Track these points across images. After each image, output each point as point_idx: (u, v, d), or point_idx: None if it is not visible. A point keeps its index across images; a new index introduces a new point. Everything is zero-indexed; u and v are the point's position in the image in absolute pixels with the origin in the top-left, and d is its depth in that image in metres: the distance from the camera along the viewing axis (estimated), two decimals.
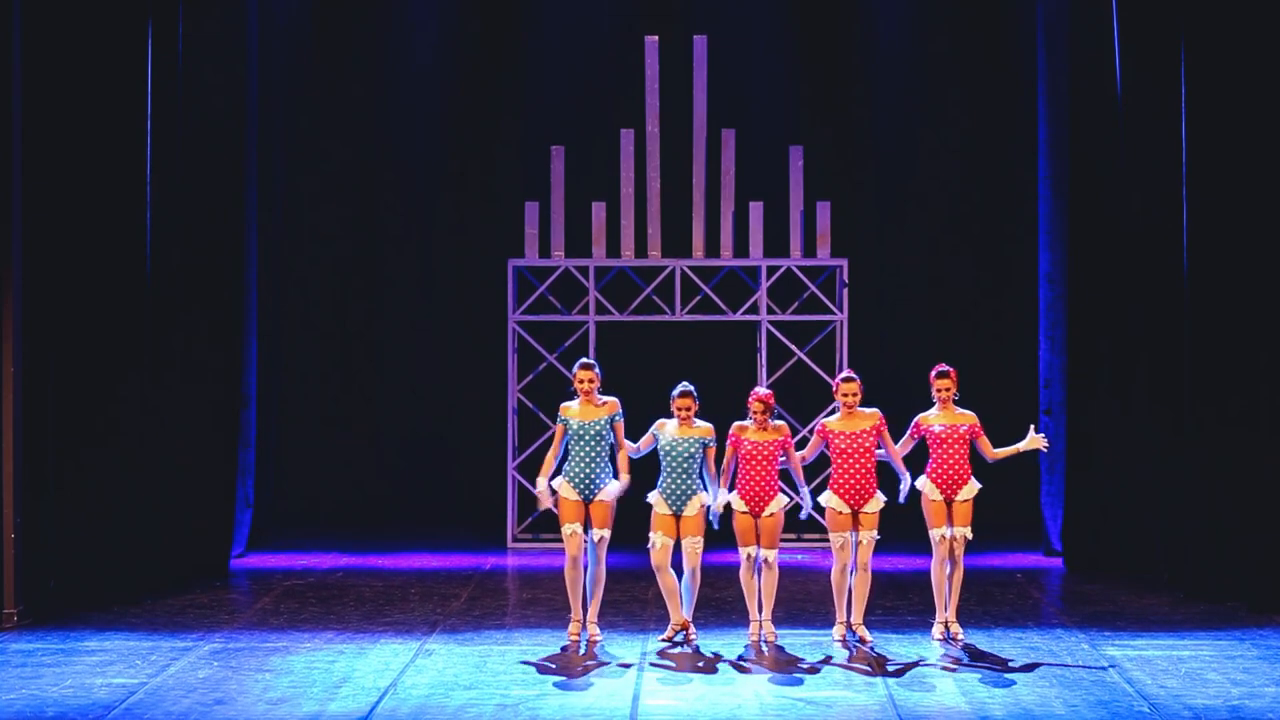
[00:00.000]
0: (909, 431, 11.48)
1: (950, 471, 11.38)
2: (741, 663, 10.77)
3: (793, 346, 15.92)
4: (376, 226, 17.55)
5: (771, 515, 11.21)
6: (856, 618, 11.42)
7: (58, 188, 12.31)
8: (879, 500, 11.33)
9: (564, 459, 11.41)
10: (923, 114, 17.35)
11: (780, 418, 11.48)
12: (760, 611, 11.33)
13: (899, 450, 11.40)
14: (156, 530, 13.22)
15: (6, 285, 11.74)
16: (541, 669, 10.59)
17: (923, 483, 11.42)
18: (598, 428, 11.24)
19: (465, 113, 17.46)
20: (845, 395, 11.32)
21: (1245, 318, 12.79)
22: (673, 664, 10.77)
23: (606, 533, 11.28)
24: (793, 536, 15.45)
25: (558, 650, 11.14)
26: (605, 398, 11.35)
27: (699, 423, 11.24)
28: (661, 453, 11.22)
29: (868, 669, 10.61)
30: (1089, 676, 10.35)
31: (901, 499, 11.48)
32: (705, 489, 11.26)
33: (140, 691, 9.92)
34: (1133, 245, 13.83)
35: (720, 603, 12.67)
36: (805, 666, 10.68)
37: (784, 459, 11.27)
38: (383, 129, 17.46)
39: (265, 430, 16.31)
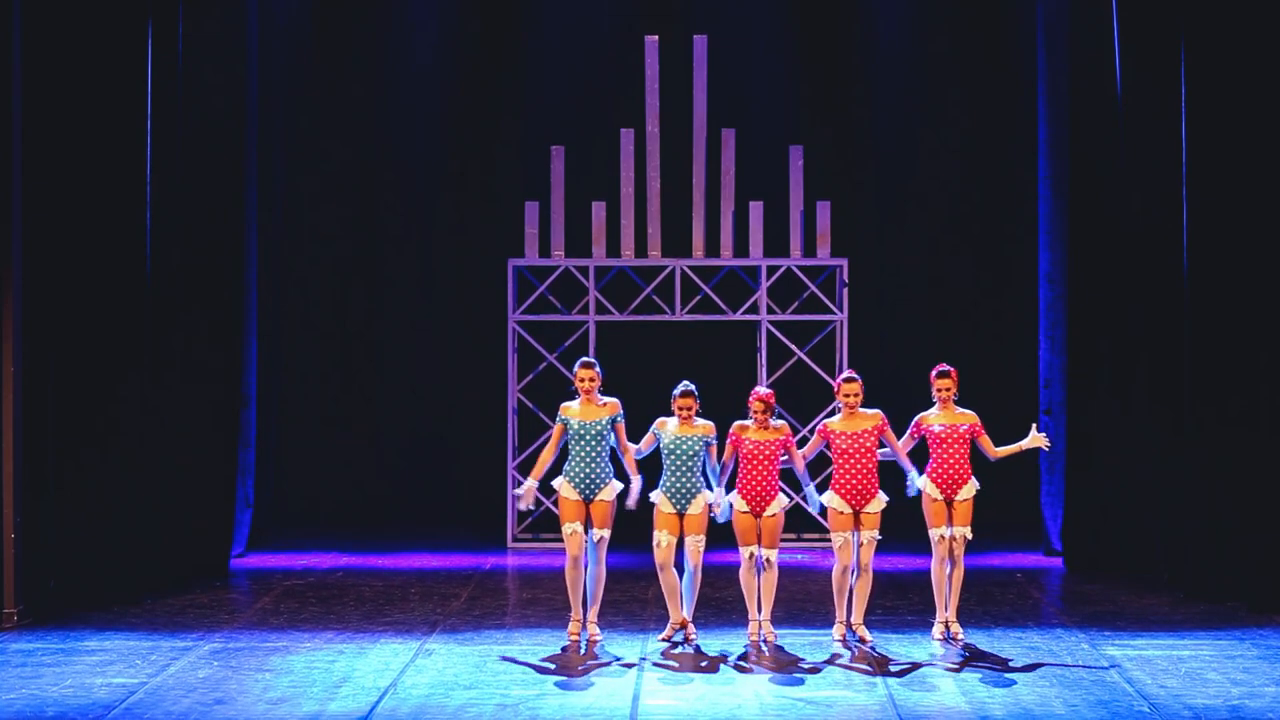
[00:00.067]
0: (909, 431, 11.49)
1: (950, 471, 11.38)
2: (741, 663, 10.77)
3: (793, 346, 15.92)
4: (376, 226, 17.55)
5: (773, 515, 11.21)
6: (857, 618, 11.42)
7: (58, 188, 12.31)
8: (880, 500, 11.33)
9: (560, 459, 11.42)
10: (923, 114, 17.35)
11: (780, 417, 11.49)
12: (760, 612, 11.34)
13: (902, 447, 11.41)
14: (156, 530, 13.22)
15: (6, 285, 11.74)
16: (541, 669, 10.59)
17: (923, 482, 11.42)
18: (598, 428, 11.24)
19: (465, 113, 17.46)
20: (847, 395, 11.32)
21: (1245, 318, 12.79)
22: (673, 664, 10.77)
23: (606, 533, 11.28)
24: (793, 536, 15.46)
25: (558, 650, 11.14)
26: (606, 399, 11.35)
27: (699, 421, 11.24)
28: (665, 452, 11.22)
29: (868, 669, 10.61)
30: (1089, 676, 10.35)
31: (910, 492, 11.48)
32: (710, 487, 11.28)
33: (140, 691, 9.92)
34: (1133, 245, 13.84)
35: (720, 603, 12.67)
36: (805, 666, 10.68)
37: (785, 457, 11.27)
38: (383, 129, 17.46)
39: (265, 430, 16.31)
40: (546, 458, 11.40)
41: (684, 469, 11.18)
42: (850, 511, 11.28)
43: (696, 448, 11.18)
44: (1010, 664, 10.73)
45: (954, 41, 17.28)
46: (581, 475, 11.23)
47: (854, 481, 11.27)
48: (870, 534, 11.30)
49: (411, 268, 17.56)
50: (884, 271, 17.32)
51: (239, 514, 14.96)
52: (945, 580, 11.45)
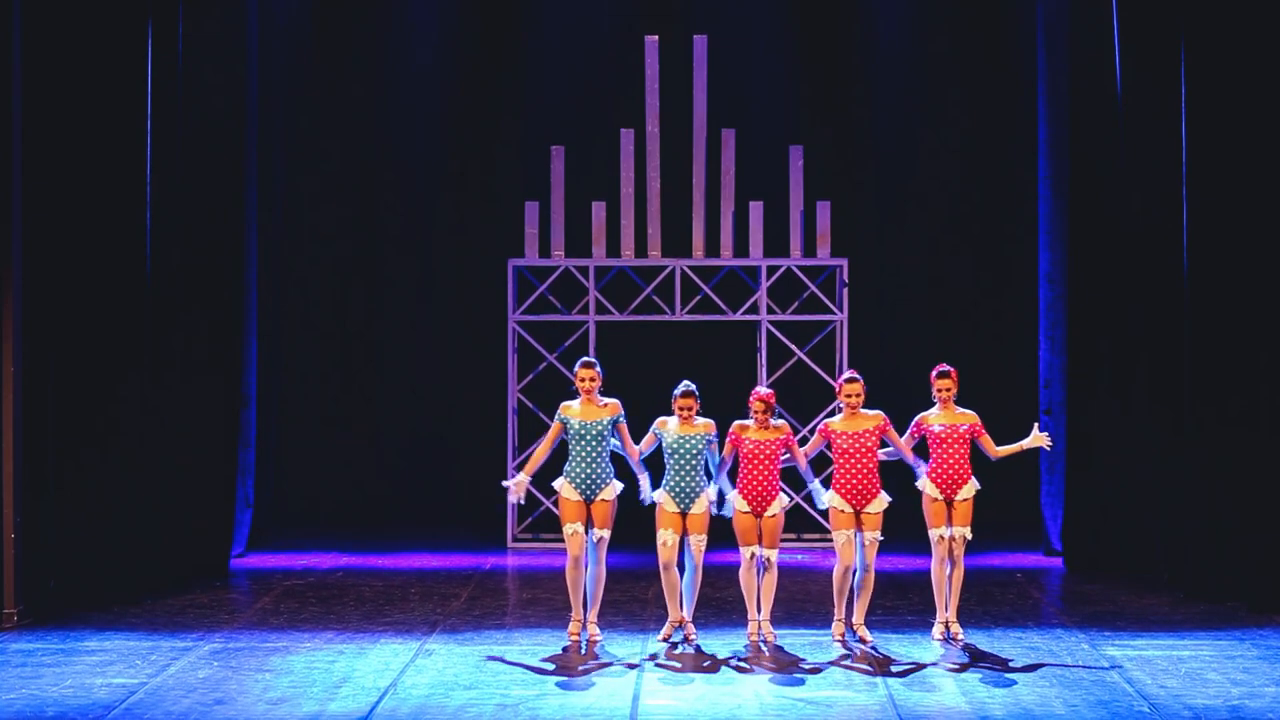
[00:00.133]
0: (909, 431, 11.49)
1: (950, 471, 11.39)
2: (741, 663, 10.77)
3: (793, 346, 15.92)
4: (376, 226, 17.55)
5: (774, 515, 11.21)
6: (858, 618, 11.42)
7: (58, 188, 12.31)
8: (882, 500, 11.33)
9: (554, 457, 11.42)
10: (923, 114, 17.35)
11: (780, 417, 11.49)
12: (759, 612, 11.34)
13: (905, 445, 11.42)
14: (156, 530, 13.22)
15: (6, 285, 11.74)
16: (541, 669, 10.59)
17: (923, 482, 11.42)
18: (599, 428, 11.23)
19: (465, 113, 17.46)
20: (849, 396, 11.32)
21: (1245, 318, 12.79)
22: (673, 664, 10.77)
23: (607, 533, 11.29)
24: (793, 536, 15.46)
25: (558, 650, 11.14)
26: (606, 399, 11.35)
27: (700, 420, 11.25)
28: (667, 451, 11.23)
29: (868, 669, 10.61)
30: (1089, 676, 10.35)
31: (919, 485, 11.47)
32: (715, 481, 11.30)
33: (140, 691, 9.92)
34: (1133, 245, 13.83)
35: (720, 603, 12.66)
36: (805, 666, 10.68)
37: (787, 455, 11.27)
38: (383, 129, 17.46)
39: (265, 430, 16.31)
40: (540, 455, 11.41)
41: (687, 468, 11.19)
42: (851, 511, 11.28)
43: (699, 446, 11.19)
44: (1010, 664, 10.73)
45: (954, 41, 17.28)
46: (582, 475, 11.23)
47: (855, 481, 11.27)
48: (873, 535, 11.30)
49: (411, 268, 17.56)
50: (884, 271, 17.32)
51: (239, 514, 14.95)
52: (945, 580, 11.45)
